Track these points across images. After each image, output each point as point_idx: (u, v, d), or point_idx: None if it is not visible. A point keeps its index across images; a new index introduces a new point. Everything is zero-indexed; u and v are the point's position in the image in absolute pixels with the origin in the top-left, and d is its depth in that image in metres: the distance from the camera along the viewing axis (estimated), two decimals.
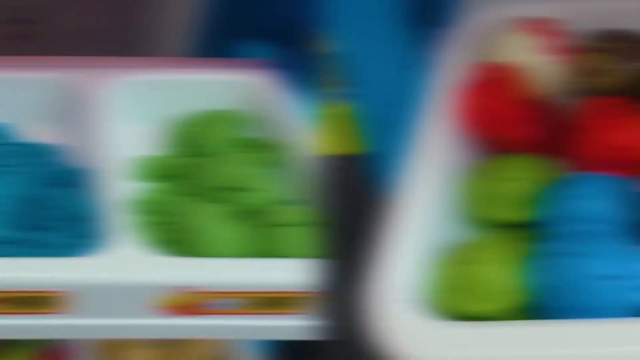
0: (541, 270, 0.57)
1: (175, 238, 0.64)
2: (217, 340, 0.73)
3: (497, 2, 0.76)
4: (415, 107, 0.67)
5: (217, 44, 0.85)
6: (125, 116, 0.74)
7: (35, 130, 0.72)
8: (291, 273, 0.61)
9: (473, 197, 0.66)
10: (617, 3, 0.75)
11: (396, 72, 0.75)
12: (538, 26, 0.70)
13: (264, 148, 0.75)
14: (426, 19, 0.80)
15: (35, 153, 0.69)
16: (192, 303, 0.59)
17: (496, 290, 0.57)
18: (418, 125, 0.66)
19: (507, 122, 0.67)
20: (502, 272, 0.58)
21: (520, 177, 0.65)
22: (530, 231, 0.63)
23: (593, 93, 0.70)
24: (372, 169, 0.77)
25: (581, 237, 0.58)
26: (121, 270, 0.58)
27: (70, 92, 0.74)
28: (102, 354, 0.71)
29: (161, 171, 0.72)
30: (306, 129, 0.74)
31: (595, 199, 0.61)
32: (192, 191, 0.69)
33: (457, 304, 0.57)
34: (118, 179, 0.66)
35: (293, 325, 0.62)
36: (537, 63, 0.69)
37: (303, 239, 0.65)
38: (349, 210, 0.68)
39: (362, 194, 0.69)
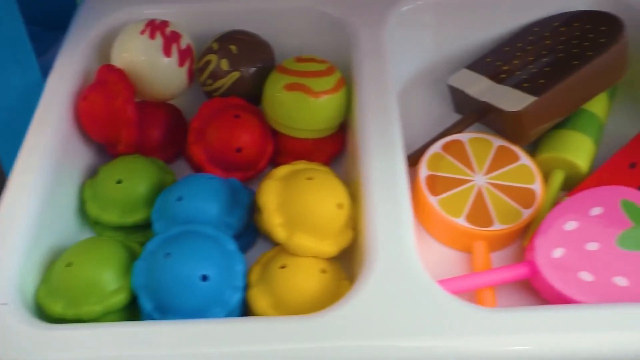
0: (145, 271, 0.58)
1: None
2: None
3: (117, 4, 0.78)
4: (33, 110, 0.67)
5: None
6: None
7: None
8: None
9: (87, 200, 0.67)
10: (231, 5, 0.77)
11: (11, 74, 0.75)
12: (156, 29, 0.70)
13: None
14: (47, 21, 0.80)
15: None
16: None
17: (98, 292, 0.57)
18: (34, 128, 0.66)
19: (121, 124, 0.67)
20: (105, 274, 0.58)
21: (133, 179, 0.66)
22: (140, 233, 0.64)
23: (210, 94, 0.72)
24: None
25: (184, 238, 0.59)
26: None
27: None
28: None
29: None
30: None
31: (199, 200, 0.62)
32: None
33: (59, 305, 0.57)
34: None
35: None
36: (155, 65, 0.70)
37: None
38: None
39: None
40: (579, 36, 0.72)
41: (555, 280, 0.58)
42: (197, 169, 0.72)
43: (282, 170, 0.63)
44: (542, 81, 0.68)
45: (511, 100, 0.68)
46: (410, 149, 0.72)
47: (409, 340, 0.51)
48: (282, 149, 0.73)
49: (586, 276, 0.57)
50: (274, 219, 0.60)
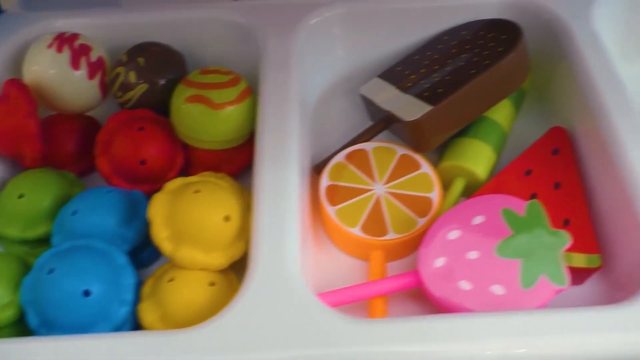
0: (31, 287, 0.58)
1: None
2: None
3: (32, 18, 0.78)
4: None
5: None
6: None
7: None
8: None
9: None
10: (146, 16, 0.78)
11: None
12: (64, 42, 0.71)
13: None
14: None
15: None
16: None
17: None
18: None
19: (23, 139, 0.68)
20: None
21: (35, 193, 0.66)
22: (47, 247, 0.64)
23: (123, 106, 0.73)
24: None
25: (70, 253, 0.59)
26: None
27: None
28: None
29: None
30: None
31: (93, 214, 0.63)
32: None
33: None
34: None
35: None
36: (63, 78, 0.71)
37: None
38: None
39: None
40: (481, 45, 0.72)
41: (436, 289, 0.58)
42: (109, 181, 0.72)
43: (174, 184, 0.64)
44: (440, 90, 0.68)
45: (411, 109, 0.68)
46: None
47: (279, 352, 0.52)
48: (192, 161, 0.73)
49: (465, 285, 0.58)
50: (160, 233, 0.61)
